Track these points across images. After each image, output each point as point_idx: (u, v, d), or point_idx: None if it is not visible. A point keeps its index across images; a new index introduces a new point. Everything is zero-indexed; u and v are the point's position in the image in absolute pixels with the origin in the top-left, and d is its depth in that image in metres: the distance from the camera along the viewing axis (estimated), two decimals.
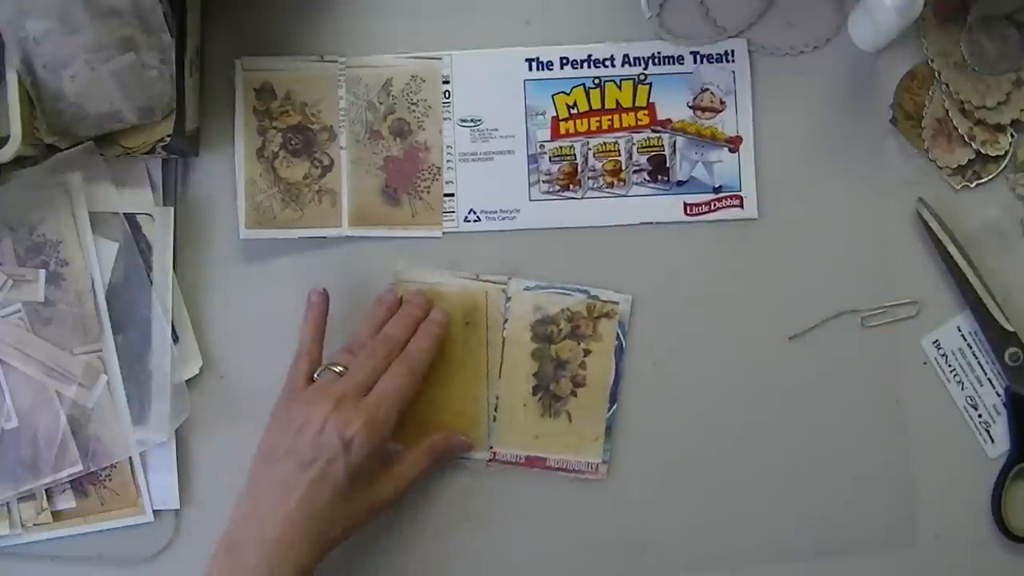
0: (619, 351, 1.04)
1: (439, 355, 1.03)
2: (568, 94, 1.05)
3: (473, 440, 1.04)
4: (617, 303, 1.04)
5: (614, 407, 1.04)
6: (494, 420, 1.04)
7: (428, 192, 1.05)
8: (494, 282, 1.05)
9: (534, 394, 1.04)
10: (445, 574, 1.04)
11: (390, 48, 1.06)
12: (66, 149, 0.99)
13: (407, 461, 1.00)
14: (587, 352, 1.04)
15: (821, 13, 1.07)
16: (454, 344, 1.04)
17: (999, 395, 1.04)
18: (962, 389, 1.04)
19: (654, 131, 1.05)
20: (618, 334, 1.04)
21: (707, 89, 1.05)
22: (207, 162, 1.06)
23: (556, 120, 1.05)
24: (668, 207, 1.05)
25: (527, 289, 1.04)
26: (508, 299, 1.05)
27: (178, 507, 1.04)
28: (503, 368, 1.05)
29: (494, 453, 1.04)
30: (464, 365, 1.05)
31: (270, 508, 0.93)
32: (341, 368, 0.98)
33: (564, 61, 1.05)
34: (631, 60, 1.05)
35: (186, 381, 1.03)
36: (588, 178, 1.05)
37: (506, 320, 1.04)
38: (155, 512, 1.03)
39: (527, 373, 1.04)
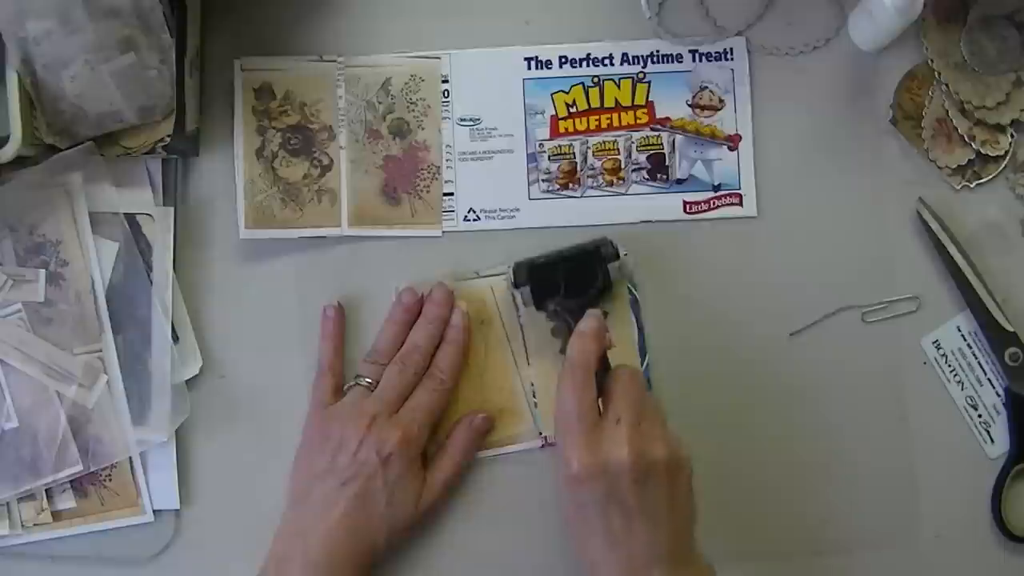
0: (634, 304, 1.04)
1: (465, 361, 1.04)
2: (567, 93, 1.05)
3: (520, 431, 1.04)
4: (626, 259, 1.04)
5: (647, 360, 1.04)
6: (536, 407, 1.04)
7: (427, 191, 1.05)
8: (496, 275, 1.05)
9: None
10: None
11: (389, 48, 1.06)
12: (66, 149, 0.99)
13: (440, 466, 1.01)
14: (604, 314, 1.03)
15: (821, 13, 1.07)
16: (476, 346, 1.05)
17: (999, 395, 1.04)
18: (962, 389, 1.04)
19: (653, 129, 1.05)
20: (629, 288, 1.04)
21: (706, 87, 1.05)
22: (207, 162, 1.06)
23: (555, 119, 1.05)
24: (667, 205, 1.05)
25: None
26: None
27: (178, 507, 1.03)
28: (529, 354, 1.05)
29: (545, 438, 1.04)
30: (491, 363, 1.05)
31: (313, 525, 0.96)
32: (369, 381, 1.01)
33: (563, 60, 1.05)
34: (630, 59, 1.05)
35: (186, 381, 1.03)
36: (587, 177, 1.05)
37: (519, 308, 1.04)
38: (155, 512, 1.03)
39: (553, 352, 1.03)
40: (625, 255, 1.02)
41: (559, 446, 0.90)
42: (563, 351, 0.97)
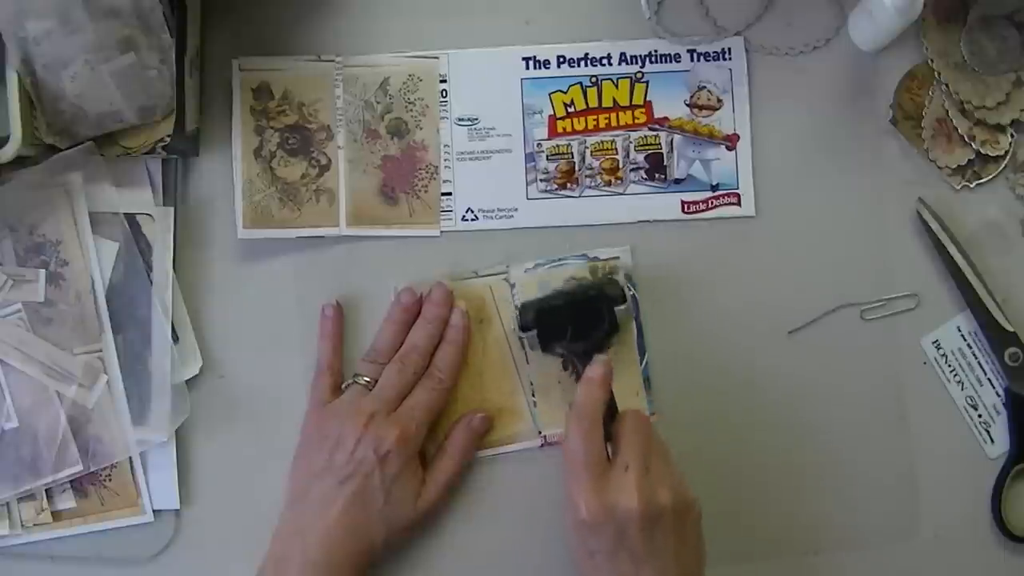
0: (633, 303, 1.04)
1: (464, 360, 1.04)
2: (565, 92, 1.05)
3: (519, 430, 1.04)
4: (618, 256, 1.04)
5: (646, 358, 1.04)
6: (535, 406, 1.04)
7: (426, 191, 1.05)
8: (495, 274, 1.05)
9: (564, 368, 1.04)
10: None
11: (387, 47, 1.06)
12: (66, 149, 0.99)
13: (439, 467, 1.01)
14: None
15: (821, 13, 1.07)
16: (474, 345, 1.05)
17: (999, 395, 1.04)
18: (962, 389, 1.04)
19: (651, 129, 1.05)
20: (627, 287, 1.04)
21: (704, 87, 1.05)
22: (207, 162, 1.06)
23: (553, 119, 1.05)
24: (665, 205, 1.05)
25: (528, 271, 1.04)
26: (513, 286, 1.05)
27: (178, 507, 1.04)
28: (528, 353, 1.05)
29: (544, 437, 1.04)
30: (489, 363, 1.05)
31: (311, 524, 0.96)
32: (367, 379, 1.01)
33: (561, 60, 1.05)
34: (628, 58, 1.06)
35: (186, 381, 1.04)
36: (585, 176, 1.05)
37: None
38: (155, 512, 1.03)
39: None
40: (632, 295, 1.02)
41: (568, 490, 0.91)
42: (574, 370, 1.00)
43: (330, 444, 0.97)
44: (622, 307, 1.01)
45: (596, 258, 1.05)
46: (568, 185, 1.05)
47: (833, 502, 1.03)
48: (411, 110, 1.05)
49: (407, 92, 1.05)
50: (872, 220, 1.05)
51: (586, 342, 1.00)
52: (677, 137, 1.05)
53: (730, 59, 1.06)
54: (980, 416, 1.04)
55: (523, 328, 1.02)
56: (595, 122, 1.05)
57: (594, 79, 1.05)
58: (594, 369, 0.94)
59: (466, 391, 1.04)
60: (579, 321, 1.00)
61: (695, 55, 1.06)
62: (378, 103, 1.05)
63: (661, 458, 0.92)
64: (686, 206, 1.05)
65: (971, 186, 1.05)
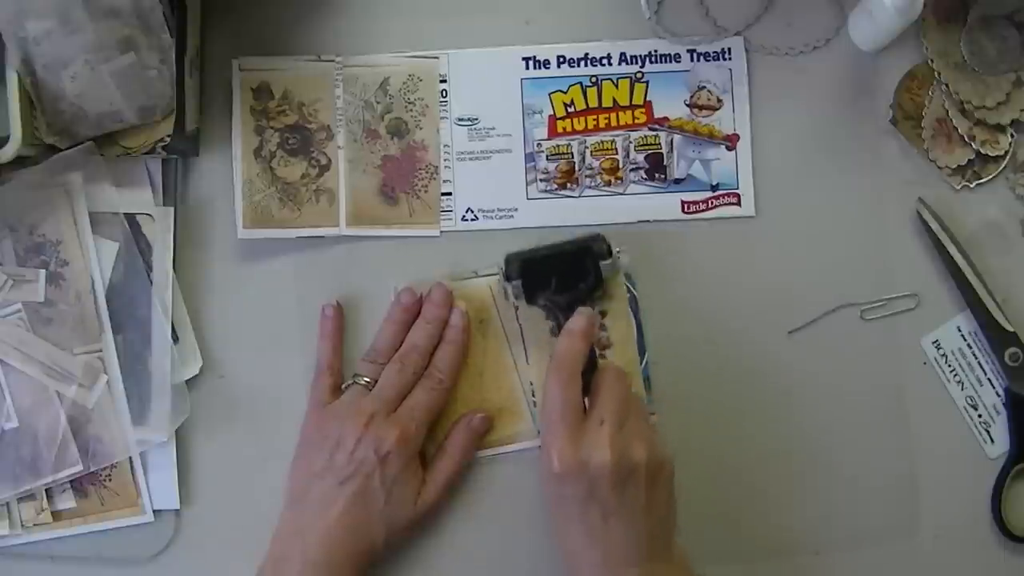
0: (633, 302, 1.04)
1: (464, 360, 1.04)
2: (565, 93, 1.05)
3: (519, 430, 1.04)
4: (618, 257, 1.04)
5: (646, 358, 1.04)
6: (535, 406, 1.04)
7: (426, 191, 1.05)
8: (495, 274, 1.05)
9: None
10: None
11: (387, 47, 1.06)
12: (66, 149, 0.99)
13: (439, 467, 1.01)
14: (603, 313, 1.03)
15: (821, 13, 1.07)
16: (475, 345, 1.05)
17: (999, 395, 1.04)
18: (962, 389, 1.04)
19: (651, 129, 1.05)
20: (627, 287, 1.04)
21: (704, 87, 1.05)
22: (207, 162, 1.06)
23: (553, 119, 1.05)
24: (665, 205, 1.05)
25: None
26: None
27: (178, 507, 1.04)
28: (528, 354, 1.05)
29: None
30: (490, 362, 1.05)
31: (311, 524, 0.96)
32: (367, 380, 1.01)
33: (561, 60, 1.05)
34: (628, 58, 1.06)
35: (186, 381, 1.04)
36: (585, 176, 1.05)
37: (517, 307, 1.04)
38: (155, 512, 1.03)
39: (552, 352, 1.02)
40: (618, 252, 1.01)
41: (543, 441, 0.91)
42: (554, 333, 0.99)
43: (330, 444, 0.97)
44: (607, 262, 1.00)
45: None
46: (568, 185, 1.05)
47: (833, 502, 1.03)
48: (411, 110, 1.05)
49: (407, 92, 1.05)
50: (872, 220, 1.05)
51: (570, 294, 0.99)
52: (677, 137, 1.05)
53: (730, 59, 1.06)
54: (980, 416, 1.04)
55: (507, 278, 1.01)
56: (595, 122, 1.05)
57: (594, 79, 1.05)
58: (576, 321, 0.95)
59: (466, 391, 1.04)
60: (564, 273, 1.00)
61: (695, 55, 1.06)
62: (378, 103, 1.05)
63: (637, 414, 0.92)
64: (686, 206, 1.05)
65: (971, 186, 1.05)
